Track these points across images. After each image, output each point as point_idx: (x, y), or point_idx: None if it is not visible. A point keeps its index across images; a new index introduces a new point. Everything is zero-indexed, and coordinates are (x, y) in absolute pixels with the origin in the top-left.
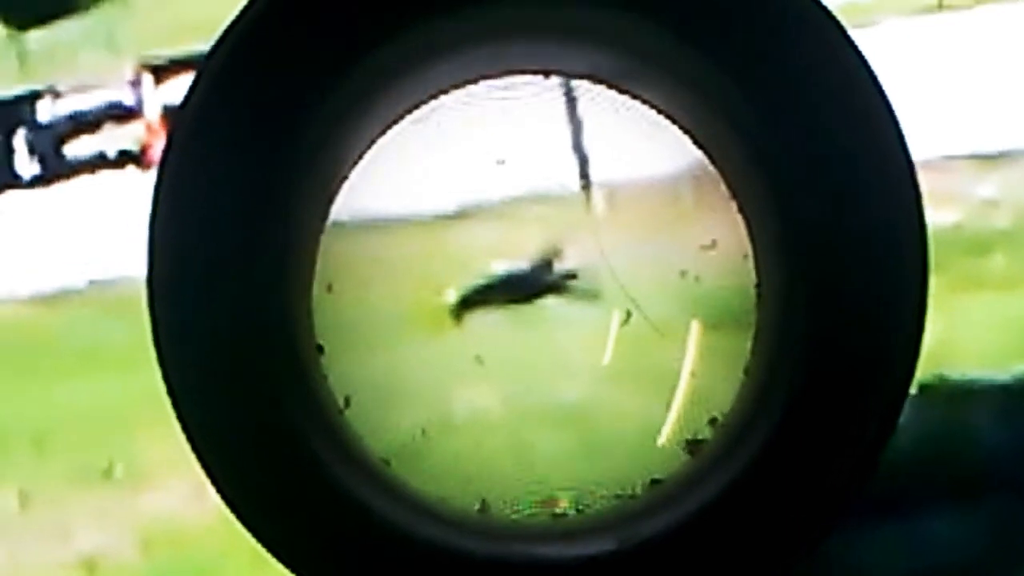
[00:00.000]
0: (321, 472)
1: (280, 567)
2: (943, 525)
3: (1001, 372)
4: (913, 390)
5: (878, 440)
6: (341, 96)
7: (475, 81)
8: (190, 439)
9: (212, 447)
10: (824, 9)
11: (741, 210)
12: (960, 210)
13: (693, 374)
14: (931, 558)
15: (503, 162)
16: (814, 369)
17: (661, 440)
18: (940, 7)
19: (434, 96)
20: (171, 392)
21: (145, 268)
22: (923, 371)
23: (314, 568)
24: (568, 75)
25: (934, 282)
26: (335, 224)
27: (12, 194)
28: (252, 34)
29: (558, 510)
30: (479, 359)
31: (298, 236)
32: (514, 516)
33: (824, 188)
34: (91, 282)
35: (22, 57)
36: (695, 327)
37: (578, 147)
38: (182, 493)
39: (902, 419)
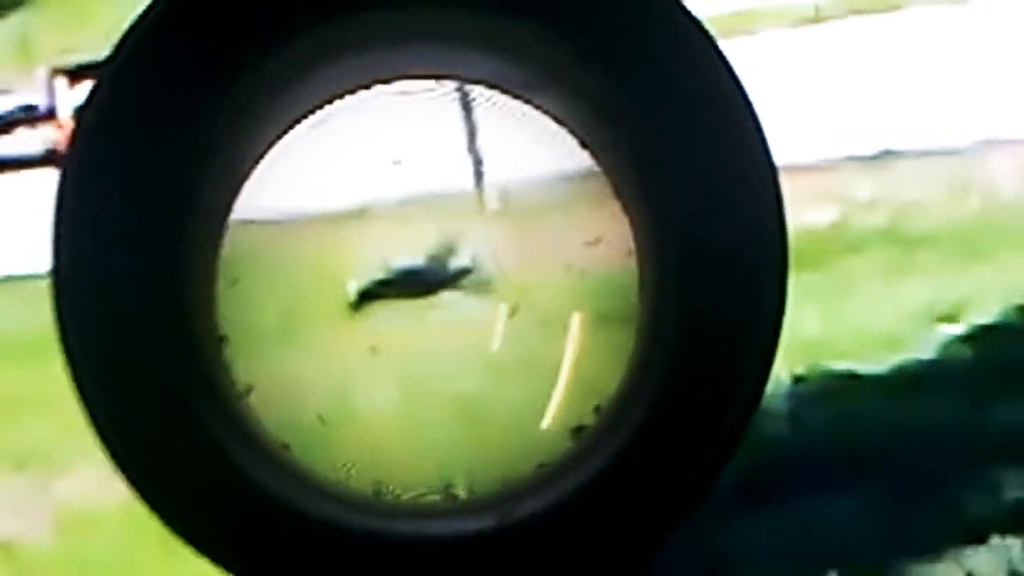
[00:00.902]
0: (222, 456)
1: (187, 549)
2: (820, 510)
3: (878, 364)
4: (794, 381)
5: (737, 427)
6: (241, 96)
7: (373, 84)
8: (95, 426)
9: (116, 434)
10: (701, 27)
11: (625, 209)
12: (839, 210)
13: (579, 364)
14: (807, 542)
15: (400, 163)
16: (682, 360)
17: (544, 426)
18: (817, 19)
19: (333, 99)
20: (75, 381)
21: (50, 262)
22: (803, 363)
23: (216, 547)
24: (464, 80)
25: (813, 279)
26: (240, 222)
27: None
28: (150, 38)
29: (451, 494)
30: (375, 350)
31: (199, 232)
32: (408, 498)
33: (695, 190)
34: (3, 276)
35: None
36: (577, 319)
37: (472, 149)
38: (94, 479)
39: (785, 408)
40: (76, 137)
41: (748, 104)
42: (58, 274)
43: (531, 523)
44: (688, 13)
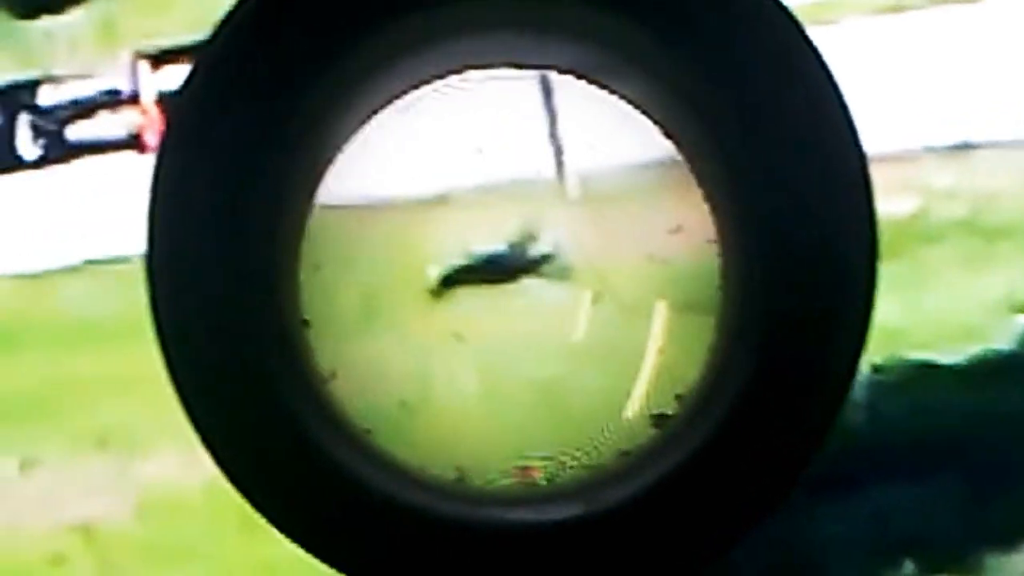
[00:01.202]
0: (308, 439)
1: (269, 530)
2: (897, 499)
3: (956, 354)
4: (872, 371)
5: (826, 417)
6: (330, 84)
7: (457, 73)
8: (185, 407)
9: (207, 416)
10: (787, 12)
11: (707, 197)
12: (918, 200)
13: (660, 352)
14: (883, 531)
15: (482, 150)
16: (771, 348)
17: (628, 414)
18: (898, 8)
19: (418, 86)
20: (167, 362)
21: (144, 246)
22: (881, 353)
23: (302, 530)
24: (546, 68)
25: (892, 269)
26: (323, 207)
27: (14, 175)
28: (246, 26)
29: (531, 479)
30: (458, 335)
31: (286, 217)
32: (489, 484)
33: (782, 178)
34: (87, 260)
35: (24, 45)
36: (661, 307)
37: (553, 136)
38: (175, 461)
39: (862, 398)
40: (171, 120)
41: (838, 93)
42: (152, 256)
43: (617, 511)
44: (776, 1)
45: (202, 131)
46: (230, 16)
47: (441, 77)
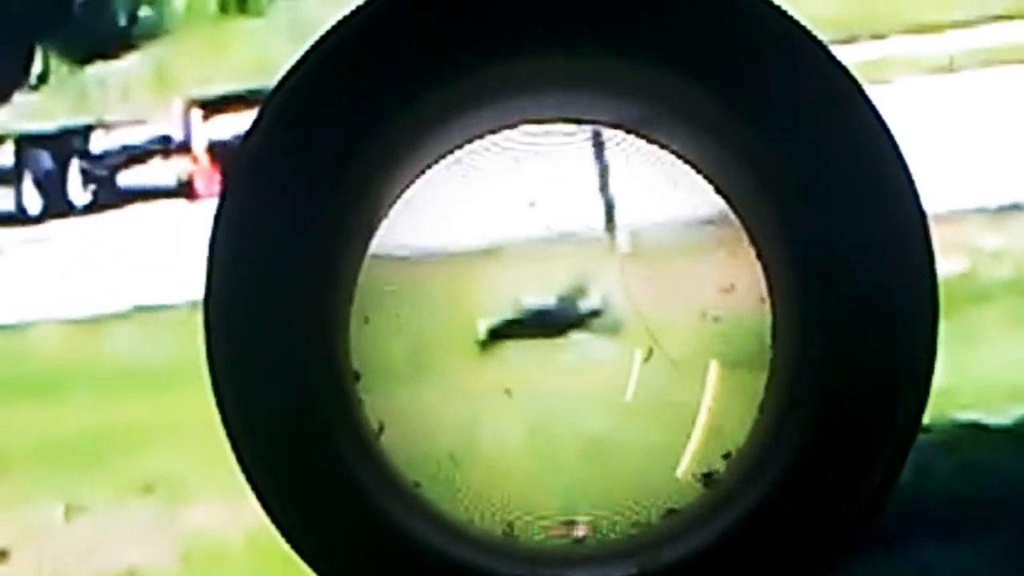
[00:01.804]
0: (360, 491)
1: None
2: (942, 560)
3: (1003, 415)
4: (920, 431)
5: (887, 480)
6: (388, 137)
7: (510, 127)
8: (237, 454)
9: (258, 465)
10: (844, 68)
11: (759, 255)
12: (967, 260)
13: (709, 410)
14: None
15: (534, 204)
16: (826, 409)
17: (679, 472)
18: (951, 68)
19: (471, 140)
20: (222, 411)
21: (202, 293)
22: (929, 412)
23: None
24: (597, 123)
25: (942, 328)
26: (373, 257)
27: (65, 221)
28: (310, 79)
29: (578, 535)
30: (507, 390)
31: (342, 268)
32: (537, 540)
33: (839, 237)
34: (137, 307)
35: (78, 90)
36: (714, 366)
37: (605, 191)
38: (220, 509)
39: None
40: (235, 168)
41: (896, 147)
42: (209, 303)
43: (672, 571)
44: (832, 56)
45: (263, 181)
46: (294, 70)
47: (495, 132)
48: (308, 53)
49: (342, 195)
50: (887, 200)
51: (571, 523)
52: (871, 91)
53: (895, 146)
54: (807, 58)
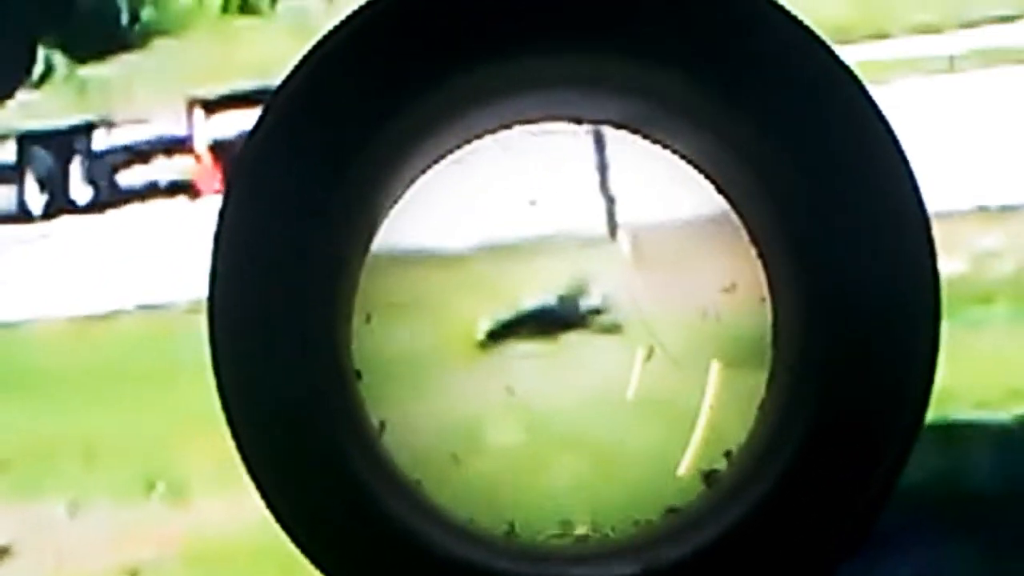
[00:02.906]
0: (361, 489)
1: None
2: (941, 559)
3: (1002, 413)
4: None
5: (888, 478)
6: (390, 137)
7: (511, 127)
8: (242, 452)
9: (262, 461)
10: (846, 68)
11: (760, 255)
12: (967, 259)
13: (710, 408)
14: None
15: (535, 203)
16: (827, 408)
17: (681, 471)
18: (951, 69)
19: (472, 140)
20: (226, 409)
21: (205, 293)
22: (928, 412)
23: None
24: (598, 122)
25: (942, 328)
26: (374, 257)
27: (67, 219)
28: (312, 79)
29: (578, 533)
30: (508, 388)
31: (344, 267)
32: (538, 538)
33: (840, 236)
34: (139, 305)
35: (79, 89)
36: (715, 365)
37: (605, 190)
38: (222, 507)
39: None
40: (238, 167)
41: (898, 147)
42: (213, 303)
43: (676, 569)
44: (834, 55)
45: (266, 179)
46: (296, 70)
47: (496, 131)
48: (311, 53)
49: (344, 194)
50: (888, 199)
51: (572, 522)
52: (871, 92)
53: (897, 145)
54: (809, 57)
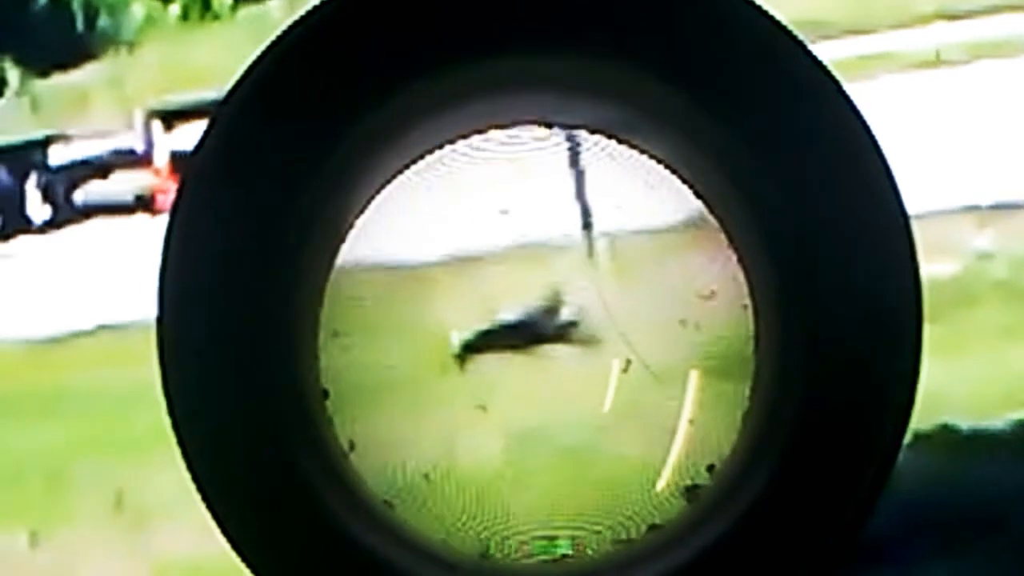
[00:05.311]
0: (325, 514)
1: None
2: (937, 566)
3: (997, 420)
4: (910, 438)
5: (874, 490)
6: (350, 145)
7: (480, 132)
8: (195, 479)
9: (217, 488)
10: (823, 67)
11: (740, 261)
12: (956, 262)
13: (691, 421)
14: None
15: (507, 211)
16: (811, 418)
17: (660, 486)
18: (938, 63)
19: (440, 146)
20: (177, 433)
21: (155, 312)
22: (920, 419)
23: None
24: (571, 127)
25: (931, 332)
26: (341, 270)
27: (24, 238)
28: (264, 84)
29: (555, 553)
30: (481, 404)
31: (306, 281)
32: (514, 559)
33: (821, 241)
34: (99, 325)
35: (35, 103)
36: (694, 376)
37: (580, 197)
38: (189, 529)
39: (900, 465)
40: (185, 182)
41: (877, 148)
42: (162, 323)
43: None
44: (811, 55)
45: (216, 193)
46: (247, 74)
47: (466, 136)
48: (263, 55)
49: (305, 205)
50: (869, 203)
51: (550, 540)
52: (854, 88)
53: (878, 148)
54: (786, 59)
